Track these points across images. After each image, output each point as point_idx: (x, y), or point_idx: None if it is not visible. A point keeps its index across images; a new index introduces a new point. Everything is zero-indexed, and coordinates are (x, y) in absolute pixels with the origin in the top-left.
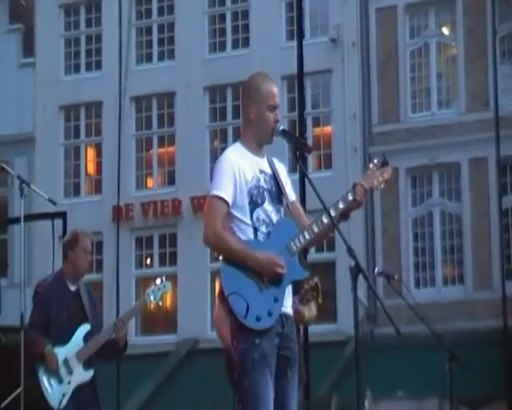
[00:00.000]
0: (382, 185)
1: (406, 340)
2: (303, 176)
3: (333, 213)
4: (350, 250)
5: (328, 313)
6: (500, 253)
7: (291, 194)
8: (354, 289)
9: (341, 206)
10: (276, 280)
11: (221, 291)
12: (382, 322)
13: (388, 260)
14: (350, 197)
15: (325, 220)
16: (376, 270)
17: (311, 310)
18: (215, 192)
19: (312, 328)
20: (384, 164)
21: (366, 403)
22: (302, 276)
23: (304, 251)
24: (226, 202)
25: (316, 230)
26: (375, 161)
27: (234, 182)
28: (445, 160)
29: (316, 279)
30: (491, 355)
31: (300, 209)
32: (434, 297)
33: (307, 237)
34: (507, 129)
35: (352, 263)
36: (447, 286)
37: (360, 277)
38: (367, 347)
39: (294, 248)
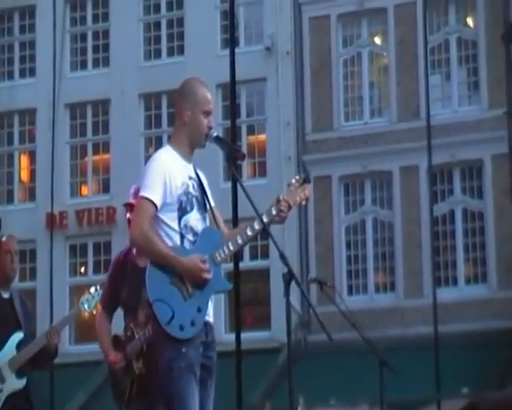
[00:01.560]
0: (304, 202)
1: (339, 346)
2: (236, 183)
3: (257, 227)
4: (282, 257)
5: (262, 320)
6: (431, 260)
7: (211, 200)
8: (287, 295)
9: (266, 220)
10: (201, 286)
11: (105, 298)
12: (316, 329)
13: (322, 266)
14: (273, 212)
15: (249, 233)
16: (309, 276)
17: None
18: (144, 194)
19: (246, 335)
20: (305, 181)
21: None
22: (226, 287)
23: (235, 258)
24: (155, 205)
25: (240, 241)
26: (297, 177)
27: (164, 186)
28: (377, 168)
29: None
30: (421, 361)
31: (219, 216)
32: (366, 304)
33: (232, 248)
34: (437, 138)
35: (285, 270)
36: (379, 293)
37: (293, 283)
38: (300, 354)
39: (219, 258)
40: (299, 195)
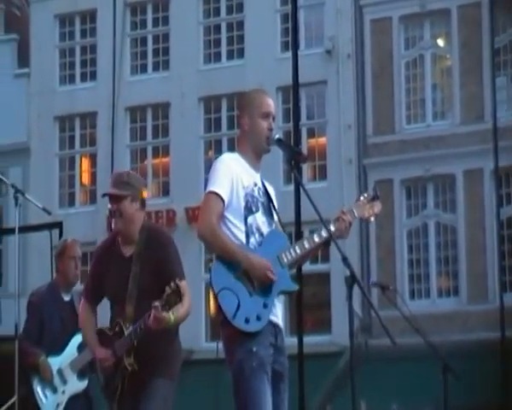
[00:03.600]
0: (372, 219)
1: (401, 351)
2: (298, 186)
3: (324, 234)
4: (345, 260)
5: (322, 324)
6: (498, 264)
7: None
8: (349, 298)
9: (324, 235)
10: (266, 287)
11: (88, 289)
12: (377, 333)
13: (383, 270)
14: (332, 228)
15: (316, 240)
16: (371, 280)
17: (174, 313)
18: (212, 188)
19: (306, 339)
20: (374, 198)
21: None
22: (292, 288)
23: (298, 266)
24: (222, 200)
25: (307, 246)
26: (366, 194)
27: (231, 183)
28: (439, 171)
29: (176, 282)
30: (486, 366)
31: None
32: (429, 308)
33: (298, 251)
34: (501, 140)
35: (348, 273)
36: (442, 298)
37: (355, 287)
38: (361, 358)
39: (285, 260)
40: (367, 210)
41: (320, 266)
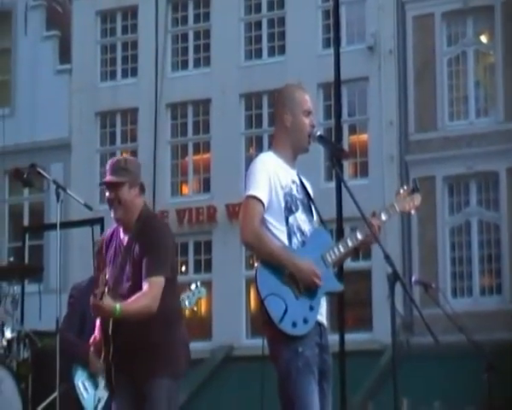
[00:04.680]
0: (413, 211)
1: (443, 349)
2: (339, 182)
3: (360, 237)
4: (387, 258)
5: (363, 321)
6: None
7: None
8: (392, 296)
9: (359, 237)
10: (312, 290)
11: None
12: (419, 331)
13: (425, 268)
14: (359, 236)
15: (359, 237)
16: (413, 278)
17: (122, 305)
18: (251, 192)
19: (347, 336)
20: (414, 190)
21: None
22: (337, 288)
23: (339, 264)
24: (262, 203)
25: (350, 244)
26: (405, 187)
27: (269, 185)
28: (482, 169)
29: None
30: None
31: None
32: (472, 307)
33: (342, 250)
34: None
35: (390, 270)
36: (485, 296)
37: (397, 285)
38: (403, 356)
39: (330, 259)
40: (408, 203)
41: (362, 264)
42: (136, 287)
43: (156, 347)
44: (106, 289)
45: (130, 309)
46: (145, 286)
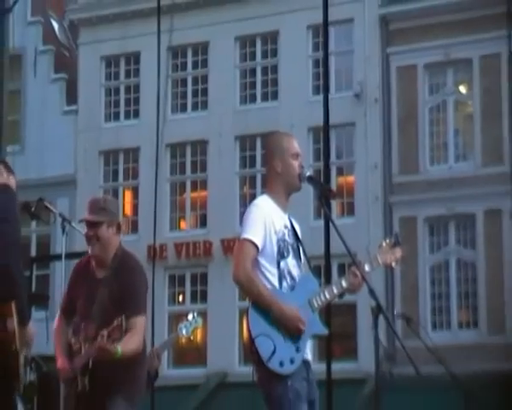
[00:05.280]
0: (394, 264)
1: (424, 380)
2: (328, 221)
3: (344, 285)
4: (372, 292)
5: (349, 352)
6: None
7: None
8: (375, 327)
9: (344, 284)
10: (295, 335)
11: (64, 303)
12: (401, 362)
13: (407, 303)
14: (343, 283)
15: (344, 285)
16: (396, 312)
17: (121, 347)
18: (246, 236)
19: (335, 366)
20: (396, 244)
21: None
22: (323, 332)
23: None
24: (256, 247)
25: (335, 291)
26: (387, 240)
27: (264, 230)
28: (461, 210)
29: (121, 319)
30: (505, 396)
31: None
32: (450, 340)
33: (328, 296)
34: None
35: (374, 304)
36: (462, 330)
37: (380, 318)
38: (386, 385)
39: (316, 305)
40: (389, 256)
41: (347, 298)
42: (106, 317)
43: (123, 374)
44: (106, 333)
45: (127, 350)
46: (132, 325)
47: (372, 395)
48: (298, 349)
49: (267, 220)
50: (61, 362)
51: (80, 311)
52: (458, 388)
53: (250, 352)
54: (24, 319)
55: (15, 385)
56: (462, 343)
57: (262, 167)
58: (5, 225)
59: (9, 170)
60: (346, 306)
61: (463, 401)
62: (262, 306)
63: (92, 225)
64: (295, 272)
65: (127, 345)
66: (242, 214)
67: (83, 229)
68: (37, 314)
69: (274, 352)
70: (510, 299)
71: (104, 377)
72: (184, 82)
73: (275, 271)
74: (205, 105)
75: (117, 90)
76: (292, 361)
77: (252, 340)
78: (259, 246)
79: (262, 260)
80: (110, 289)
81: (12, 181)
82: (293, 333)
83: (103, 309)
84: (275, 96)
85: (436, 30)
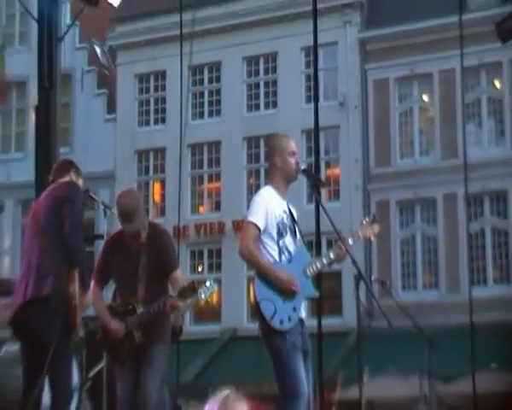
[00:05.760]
0: (372, 238)
1: (395, 331)
2: (318, 204)
3: (332, 256)
4: (354, 262)
5: (336, 310)
6: (468, 266)
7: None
8: (357, 290)
9: (332, 256)
10: (291, 295)
11: (97, 273)
12: (377, 317)
13: (381, 270)
14: (331, 256)
15: (332, 256)
16: (373, 277)
17: (186, 304)
18: (250, 219)
19: (324, 321)
20: (374, 221)
21: (364, 378)
22: (315, 295)
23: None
24: (258, 228)
25: (325, 262)
26: (367, 219)
27: (266, 215)
28: (424, 195)
29: (193, 281)
30: (460, 344)
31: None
32: (416, 299)
33: (319, 266)
34: (470, 172)
35: (356, 272)
36: (426, 290)
37: (361, 282)
38: (365, 336)
39: (309, 273)
40: (368, 231)
41: (334, 267)
42: (152, 280)
43: (164, 326)
44: (177, 294)
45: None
46: (174, 279)
47: (354, 345)
48: (294, 309)
49: (268, 207)
50: (113, 324)
51: (121, 279)
52: (423, 337)
53: (255, 312)
54: (85, 285)
55: (72, 337)
56: (425, 301)
57: (265, 163)
58: (69, 206)
59: (79, 174)
60: (334, 273)
61: (427, 348)
62: (262, 274)
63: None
64: (292, 247)
65: (186, 305)
66: (249, 201)
67: None
68: None
69: (275, 313)
70: (464, 265)
71: (152, 329)
72: (202, 94)
73: (275, 247)
74: (218, 113)
75: (147, 102)
76: (289, 319)
77: (257, 303)
78: (261, 227)
79: (265, 239)
80: (150, 255)
81: (80, 182)
82: (288, 293)
83: (149, 272)
84: (275, 104)
85: (404, 50)
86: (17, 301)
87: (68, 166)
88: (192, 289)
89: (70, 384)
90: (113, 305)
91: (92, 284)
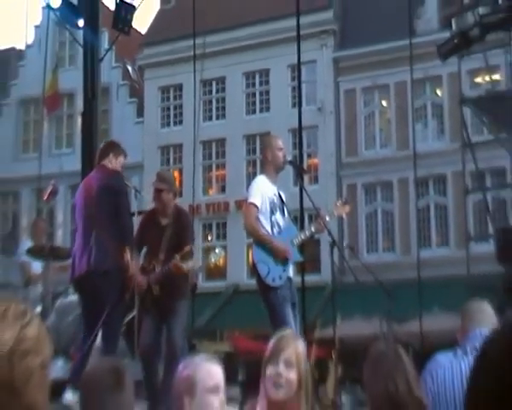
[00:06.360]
0: (344, 216)
1: (361, 285)
2: (301, 188)
3: (312, 229)
4: (330, 233)
5: (315, 269)
6: (417, 233)
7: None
8: (331, 254)
9: (312, 229)
10: (284, 261)
11: (136, 240)
12: (347, 274)
13: (351, 238)
14: (312, 229)
15: (313, 229)
16: (345, 244)
17: (188, 265)
18: (251, 200)
19: (306, 278)
20: (346, 202)
21: (337, 321)
22: (299, 259)
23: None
24: (257, 207)
25: (307, 233)
26: (340, 200)
27: (261, 197)
28: (384, 179)
29: (190, 246)
30: (411, 293)
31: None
32: (378, 259)
33: (302, 237)
34: (418, 160)
35: (331, 240)
36: (385, 252)
37: (335, 248)
38: (337, 289)
39: (295, 242)
40: (341, 210)
41: (315, 237)
42: (171, 249)
43: (180, 283)
44: (179, 256)
45: (189, 267)
46: (190, 248)
47: (330, 296)
48: (284, 270)
49: (263, 192)
50: (140, 278)
51: (151, 245)
52: (382, 289)
53: (253, 272)
54: (133, 257)
55: (125, 296)
56: (384, 261)
57: (260, 155)
58: (122, 197)
59: (117, 153)
60: (314, 241)
61: (385, 297)
62: (262, 243)
63: (158, 190)
64: (281, 222)
65: (190, 264)
66: (248, 185)
67: (147, 196)
68: None
69: (268, 272)
70: (414, 233)
71: (171, 285)
72: (210, 102)
73: (268, 222)
74: (223, 116)
75: (168, 108)
76: (280, 278)
77: (254, 264)
78: (259, 206)
79: (260, 217)
80: (173, 230)
81: (119, 160)
82: (283, 260)
83: (170, 242)
84: (268, 109)
85: (367, 66)
86: (81, 269)
87: (107, 149)
88: (190, 253)
89: (119, 333)
90: (143, 264)
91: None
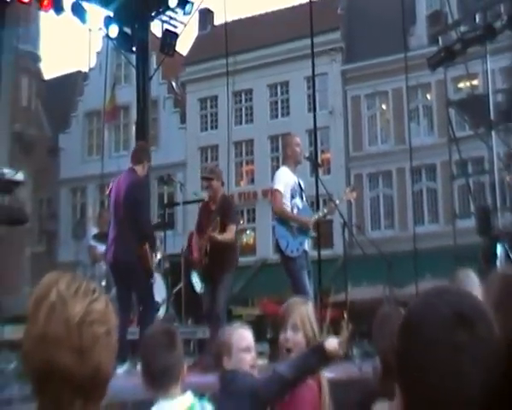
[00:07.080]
0: (352, 200)
1: (367, 256)
2: (317, 178)
3: (325, 211)
4: (340, 214)
5: (329, 243)
6: (413, 214)
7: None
8: (343, 232)
9: (325, 211)
10: (305, 232)
11: (196, 225)
12: (356, 248)
13: (358, 218)
14: (325, 210)
15: (325, 211)
16: (353, 223)
17: (221, 236)
18: (276, 187)
19: (322, 252)
20: (354, 189)
21: (348, 288)
22: (314, 236)
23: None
24: (281, 193)
25: (321, 214)
26: (349, 187)
27: (284, 184)
28: (384, 169)
29: (217, 219)
30: (408, 263)
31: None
32: (380, 235)
33: (317, 217)
34: (413, 153)
35: (342, 220)
36: (386, 230)
37: (345, 226)
38: (348, 261)
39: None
40: (350, 196)
41: (328, 217)
42: (217, 228)
43: (225, 254)
44: (211, 229)
45: (222, 238)
46: (229, 228)
47: (341, 267)
48: (301, 244)
49: (286, 179)
50: (196, 254)
51: (204, 227)
52: (384, 260)
53: (276, 246)
54: (152, 247)
55: (149, 274)
56: (386, 236)
57: (282, 152)
58: (142, 205)
59: (148, 160)
60: (327, 221)
61: (387, 267)
62: (291, 220)
63: (209, 179)
64: (300, 205)
65: (223, 236)
66: (272, 176)
67: (190, 189)
68: (168, 233)
69: (287, 245)
70: (410, 212)
71: (217, 257)
72: (241, 109)
73: (289, 205)
74: (251, 121)
75: (205, 116)
76: (297, 250)
77: (276, 239)
78: (283, 192)
79: (283, 200)
80: (219, 214)
81: (148, 165)
82: (307, 231)
83: (216, 223)
84: (288, 114)
85: (369, 77)
86: (109, 258)
87: (141, 157)
88: (240, 232)
89: (154, 302)
90: (198, 244)
91: (195, 229)
